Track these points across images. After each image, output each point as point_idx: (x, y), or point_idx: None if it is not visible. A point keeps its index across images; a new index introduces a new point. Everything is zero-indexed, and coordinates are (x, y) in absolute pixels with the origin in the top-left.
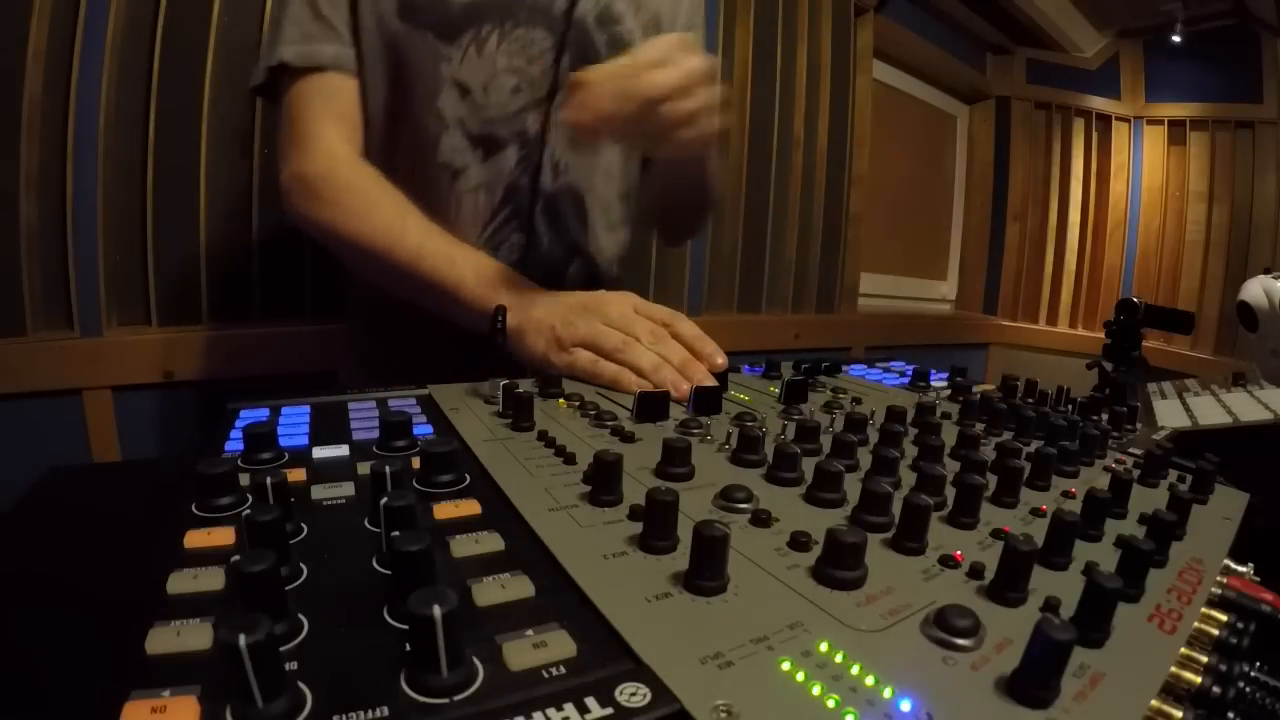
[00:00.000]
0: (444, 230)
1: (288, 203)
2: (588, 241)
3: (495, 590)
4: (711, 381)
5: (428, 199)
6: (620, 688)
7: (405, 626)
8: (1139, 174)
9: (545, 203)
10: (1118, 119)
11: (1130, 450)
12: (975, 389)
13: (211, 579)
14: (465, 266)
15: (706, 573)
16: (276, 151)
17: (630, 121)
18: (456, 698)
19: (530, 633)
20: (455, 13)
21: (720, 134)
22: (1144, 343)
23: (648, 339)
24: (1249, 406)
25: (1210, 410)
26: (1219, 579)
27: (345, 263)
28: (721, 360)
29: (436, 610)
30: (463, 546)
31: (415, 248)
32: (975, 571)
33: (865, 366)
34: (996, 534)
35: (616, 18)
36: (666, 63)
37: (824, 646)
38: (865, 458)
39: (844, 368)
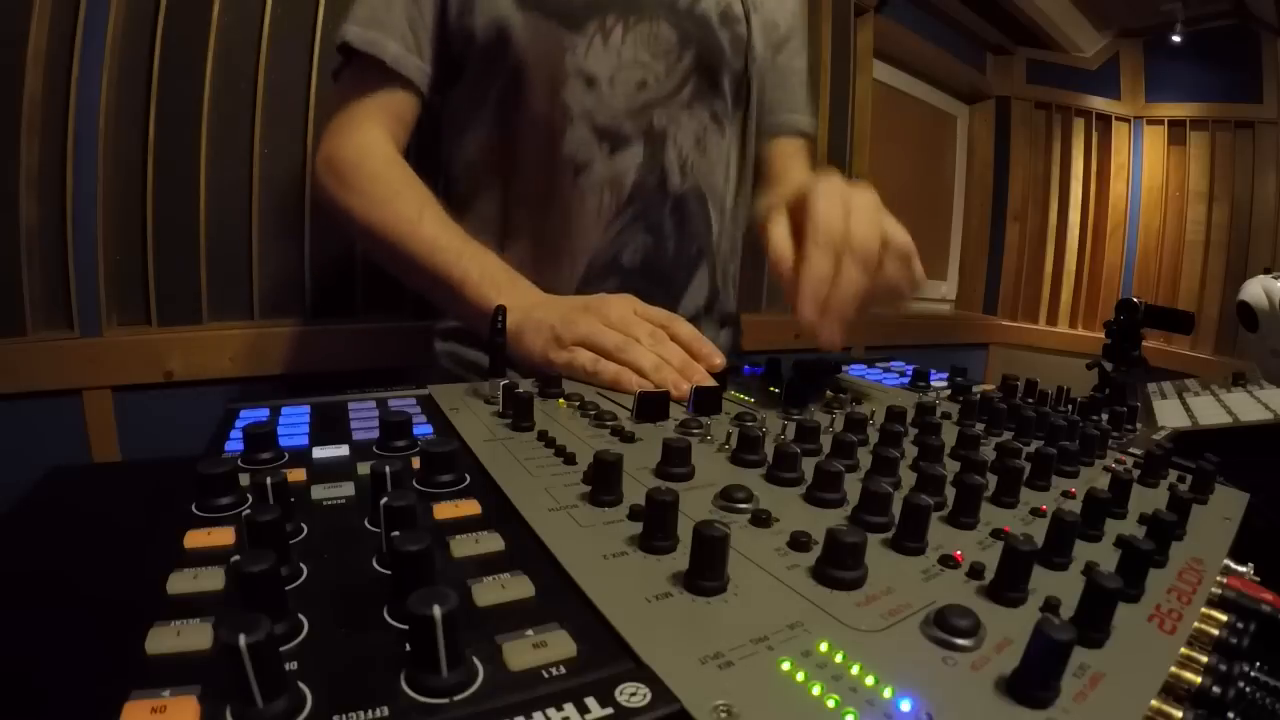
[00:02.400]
0: (461, 229)
1: (316, 182)
2: (711, 245)
3: (495, 590)
4: (711, 382)
5: (549, 195)
6: (620, 688)
7: (405, 626)
8: (1139, 174)
9: (674, 203)
10: (1118, 119)
11: (1130, 450)
12: (975, 389)
13: (211, 579)
14: (471, 264)
15: (706, 573)
16: (322, 131)
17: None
18: (456, 698)
19: (530, 633)
20: (580, 2)
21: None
22: (1144, 343)
23: (647, 340)
24: (1249, 406)
25: (1210, 410)
26: (1219, 579)
27: (365, 251)
28: (720, 361)
29: (436, 610)
30: (463, 546)
31: (429, 240)
32: (975, 571)
33: (865, 366)
34: (996, 534)
35: (737, 18)
36: (844, 228)
37: (824, 646)
38: (865, 458)
39: (844, 368)
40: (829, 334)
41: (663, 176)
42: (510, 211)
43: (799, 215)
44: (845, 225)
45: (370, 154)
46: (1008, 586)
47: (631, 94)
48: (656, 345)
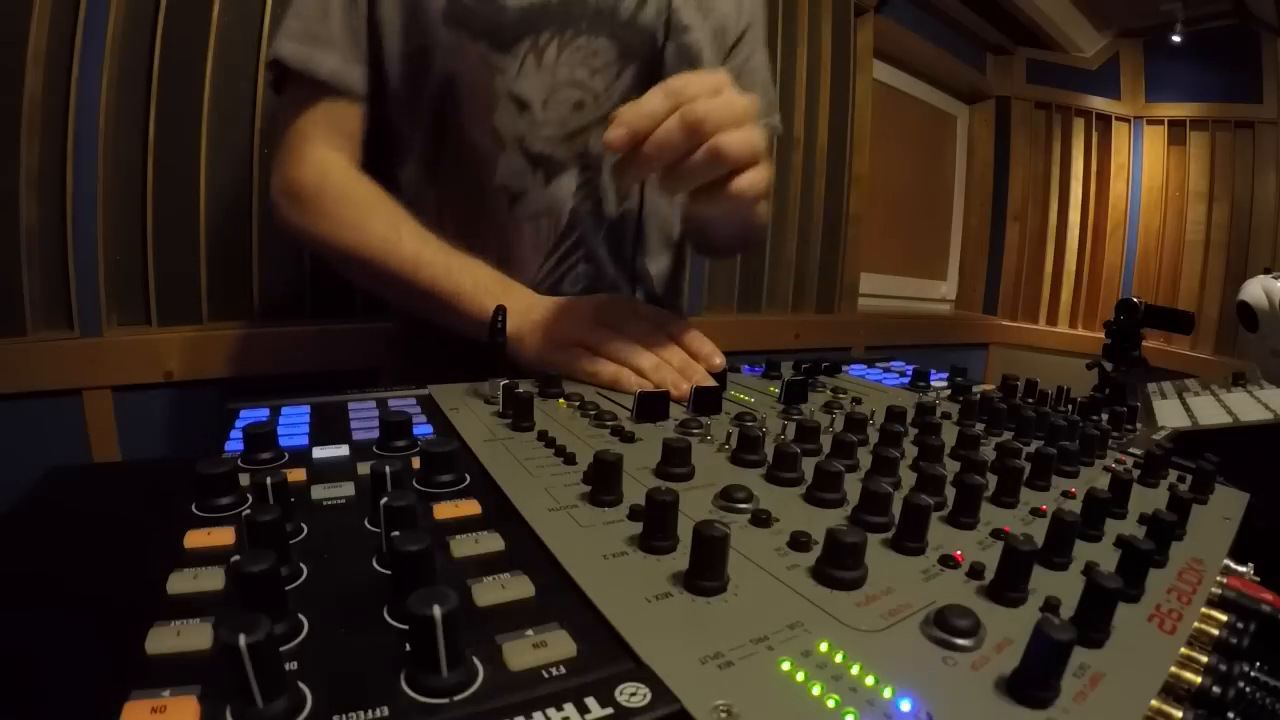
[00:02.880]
0: (440, 239)
1: (277, 215)
2: (648, 266)
3: (495, 590)
4: (710, 382)
5: (484, 225)
6: (620, 688)
7: (405, 626)
8: (1139, 174)
9: (609, 230)
10: (1118, 119)
11: (1130, 450)
12: (975, 389)
13: (211, 579)
14: (463, 275)
15: (706, 573)
16: (270, 161)
17: (677, 151)
18: (456, 698)
19: (530, 633)
20: (510, 19)
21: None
22: (1144, 343)
23: (647, 340)
24: (1249, 406)
25: (1210, 410)
26: (1219, 579)
27: (339, 273)
28: (719, 360)
29: (436, 610)
30: (463, 546)
31: (412, 257)
32: (975, 571)
33: (865, 366)
34: (996, 534)
35: (684, 27)
36: (714, 91)
37: (824, 646)
38: (865, 458)
39: (844, 368)
40: (626, 176)
41: (598, 203)
42: (446, 237)
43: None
44: (696, 88)
45: (328, 173)
46: (1008, 586)
47: (566, 116)
48: (656, 345)
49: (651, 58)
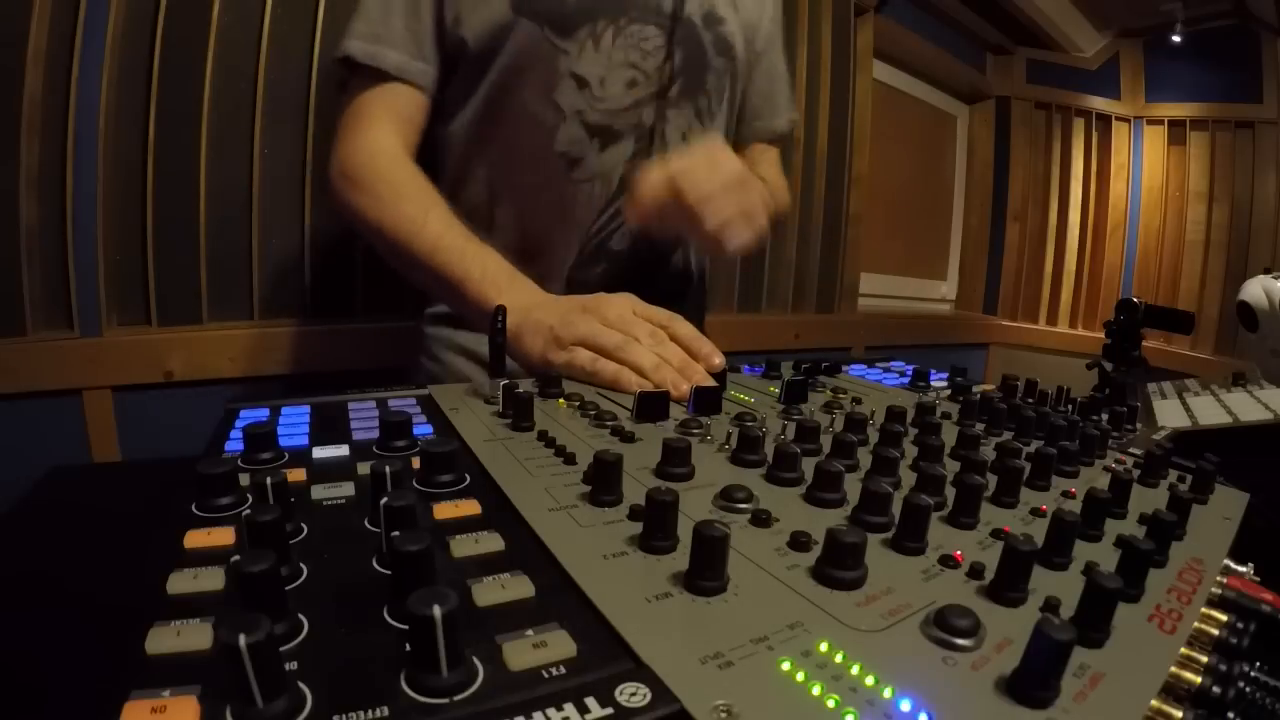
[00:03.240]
0: (465, 228)
1: (331, 188)
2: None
3: (495, 590)
4: (710, 382)
5: (541, 186)
6: (620, 688)
7: (405, 626)
8: (1139, 174)
9: None
10: (1118, 119)
11: (1130, 450)
12: (975, 389)
13: (211, 579)
14: (473, 263)
15: (706, 573)
16: (333, 140)
17: (676, 217)
18: (456, 698)
19: (530, 633)
20: (571, 8)
21: (762, 234)
22: (1144, 343)
23: (647, 339)
24: (1249, 406)
25: (1210, 410)
26: (1219, 579)
27: (378, 251)
28: (719, 360)
29: (436, 610)
30: (463, 546)
31: (433, 239)
32: (975, 571)
33: (865, 366)
34: (996, 534)
35: (720, 19)
36: (709, 167)
37: (824, 646)
38: (865, 458)
39: (844, 368)
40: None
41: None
42: (499, 198)
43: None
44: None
45: (379, 155)
46: (1008, 586)
47: (621, 94)
48: (656, 345)
49: (692, 44)
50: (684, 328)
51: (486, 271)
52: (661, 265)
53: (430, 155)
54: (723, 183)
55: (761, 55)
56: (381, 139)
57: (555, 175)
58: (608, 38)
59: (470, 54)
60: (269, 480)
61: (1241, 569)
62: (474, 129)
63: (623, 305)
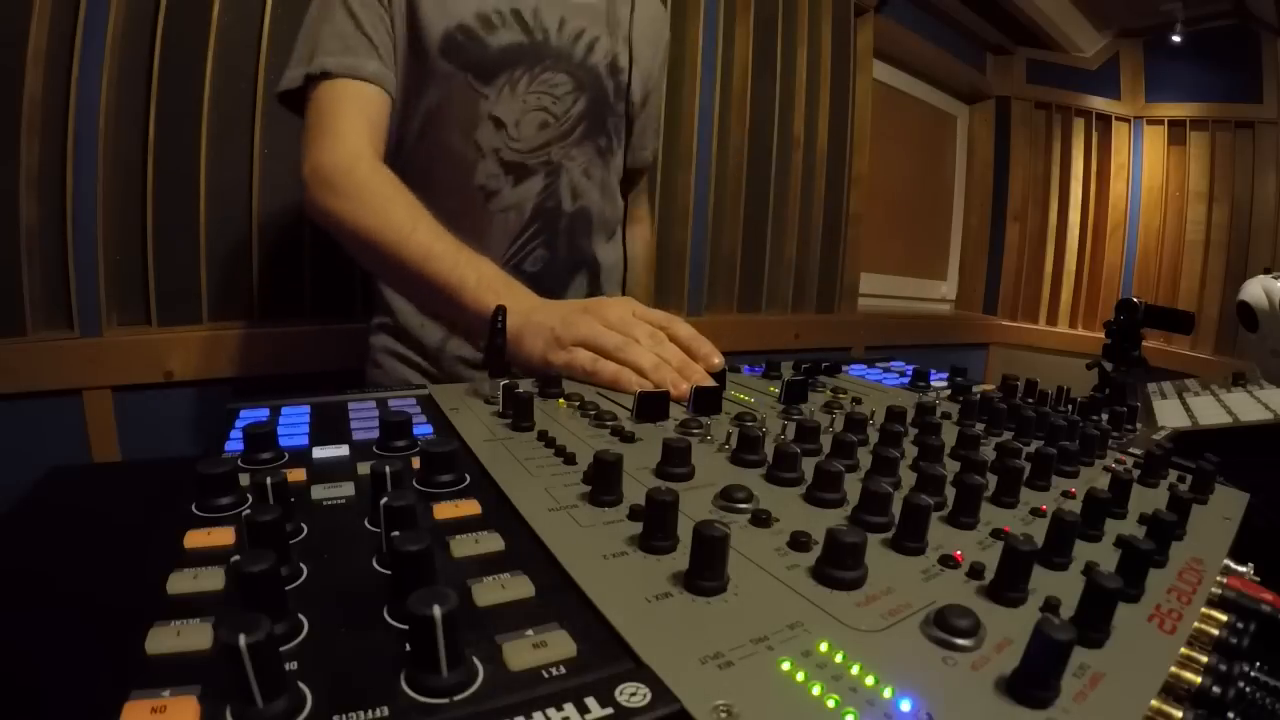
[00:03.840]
0: (454, 236)
1: (307, 194)
2: (595, 253)
3: (495, 590)
4: (710, 382)
5: (463, 215)
6: (620, 688)
7: (405, 626)
8: (1139, 174)
9: (566, 222)
10: (1118, 119)
11: (1130, 450)
12: (975, 389)
13: (211, 579)
14: (468, 270)
15: (706, 573)
16: (302, 145)
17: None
18: (456, 698)
19: (530, 633)
20: (492, 56)
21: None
22: (1144, 343)
23: (646, 340)
24: (1249, 406)
25: (1210, 410)
26: (1219, 579)
27: (355, 258)
28: (718, 360)
29: (436, 610)
30: (463, 546)
31: (424, 246)
32: (975, 571)
33: (865, 366)
34: (996, 534)
35: (620, 69)
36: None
37: (824, 646)
38: (865, 458)
39: (844, 368)
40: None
41: (558, 201)
42: None
43: None
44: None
45: (359, 161)
46: (1008, 586)
47: (534, 134)
48: (655, 345)
49: (597, 90)
50: (683, 329)
51: (482, 278)
52: (567, 284)
53: None
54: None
55: (650, 96)
56: (357, 146)
57: (474, 205)
58: (523, 84)
59: (402, 86)
60: (269, 480)
61: (1241, 569)
62: (399, 160)
63: (623, 307)
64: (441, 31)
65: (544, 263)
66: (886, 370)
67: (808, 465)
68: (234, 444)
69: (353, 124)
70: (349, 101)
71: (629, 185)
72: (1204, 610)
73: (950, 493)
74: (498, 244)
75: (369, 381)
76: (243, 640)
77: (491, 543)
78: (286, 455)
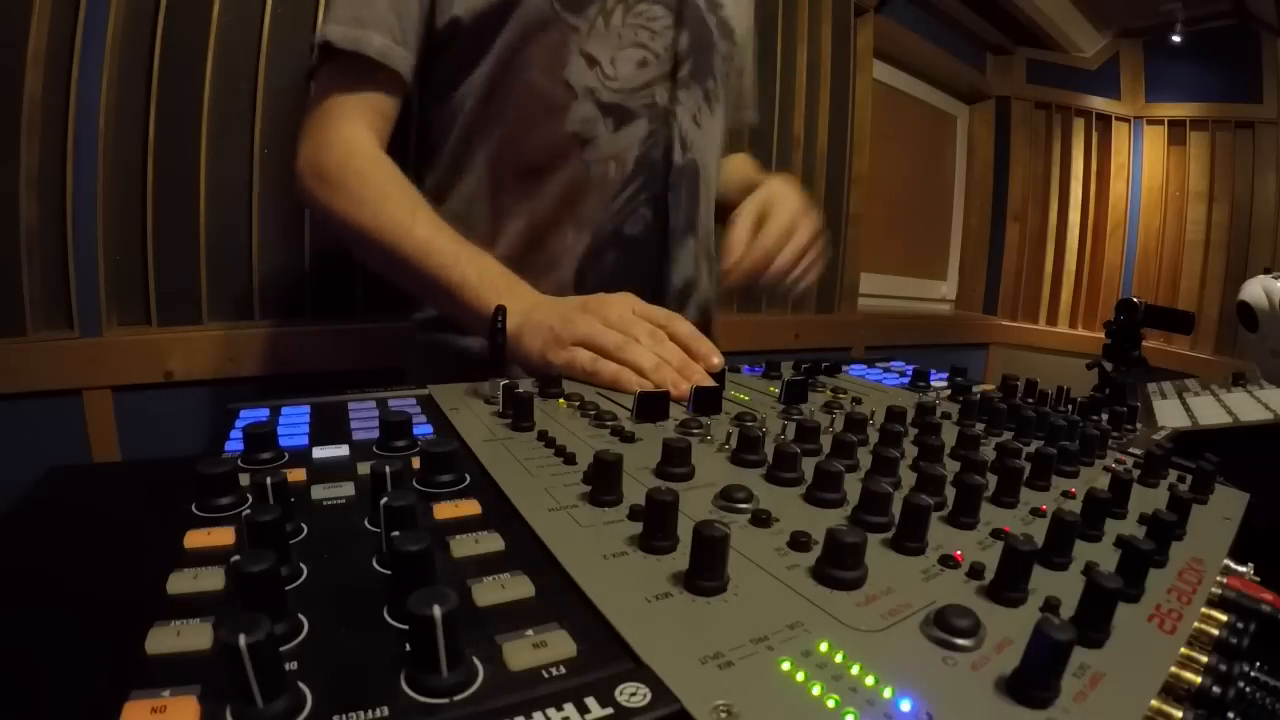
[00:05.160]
0: (453, 230)
1: (299, 186)
2: (699, 218)
3: (495, 590)
4: (709, 382)
5: (551, 169)
6: (620, 688)
7: (405, 626)
8: (1139, 174)
9: (675, 177)
10: (1118, 119)
11: (1130, 450)
12: (975, 389)
13: (211, 579)
14: (469, 267)
15: (706, 573)
16: (299, 132)
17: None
18: (456, 698)
19: (530, 633)
20: None
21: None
22: (1144, 343)
23: (647, 339)
24: (1249, 406)
25: (1210, 410)
26: (1219, 579)
27: (352, 252)
28: (718, 360)
29: (436, 610)
30: (463, 546)
31: (423, 242)
32: (975, 571)
33: (865, 366)
34: (996, 534)
35: (720, 3)
36: (792, 232)
37: (824, 646)
38: (865, 458)
39: (844, 368)
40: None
41: (667, 151)
42: (503, 184)
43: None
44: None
45: (355, 153)
46: (1008, 586)
47: (633, 73)
48: (656, 345)
49: (698, 25)
50: (683, 327)
51: (483, 276)
52: (672, 253)
53: (419, 141)
54: (804, 242)
55: (744, 48)
56: (356, 134)
57: (566, 157)
58: (617, 16)
59: (466, 30)
60: (269, 480)
61: (1241, 569)
62: (475, 110)
63: (622, 305)
64: None
65: (646, 224)
66: (886, 370)
67: (808, 465)
68: (234, 444)
69: (350, 109)
70: (350, 84)
71: (727, 152)
72: (1204, 610)
73: (950, 493)
74: (597, 202)
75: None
76: (243, 640)
77: (491, 543)
78: (286, 455)
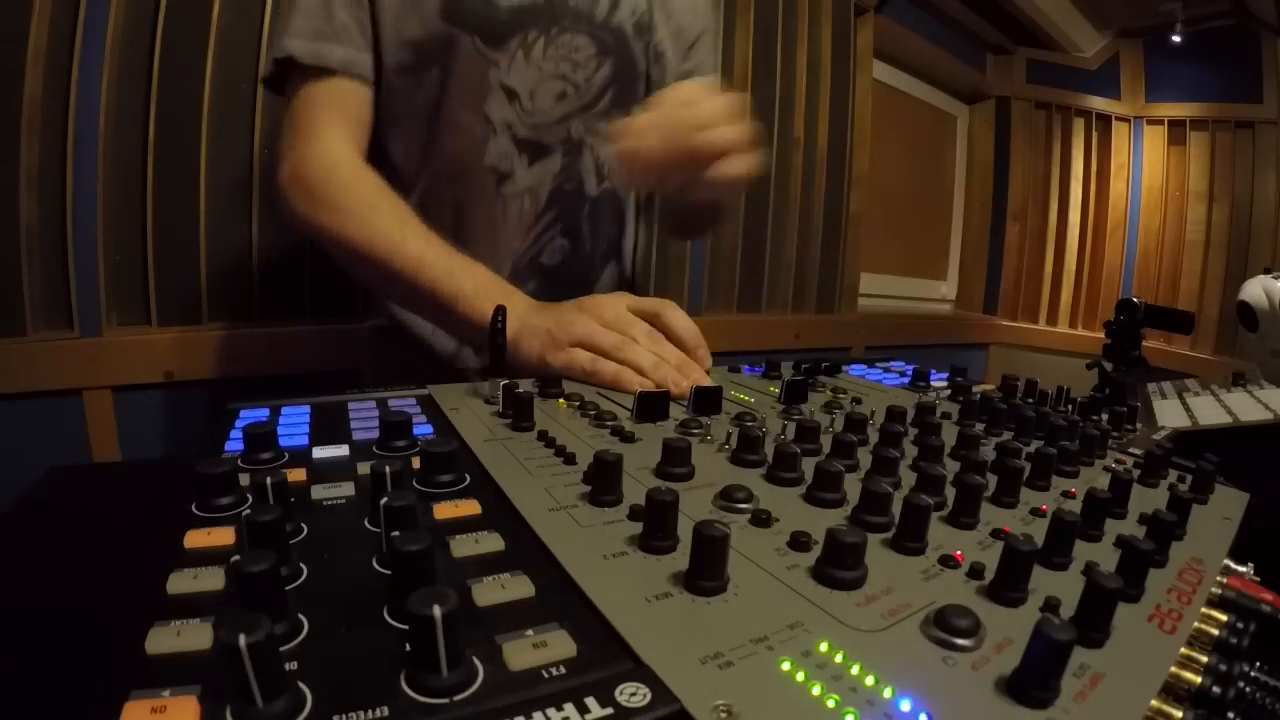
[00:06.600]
0: (443, 240)
1: (284, 204)
2: (623, 243)
3: (495, 590)
4: (708, 381)
5: (471, 201)
6: (620, 688)
7: (405, 626)
8: (1139, 174)
9: (590, 207)
10: (1118, 119)
11: (1130, 450)
12: (975, 389)
13: (211, 579)
14: (464, 278)
15: (706, 573)
16: (276, 151)
17: (674, 157)
18: (456, 698)
19: (530, 633)
20: (503, 16)
21: (752, 172)
22: (1144, 343)
23: (644, 339)
24: (1249, 406)
25: (1210, 410)
26: (1219, 579)
27: (341, 266)
28: (703, 352)
29: (436, 610)
30: (463, 546)
31: (415, 256)
32: (975, 571)
33: (865, 366)
34: (996, 534)
35: (650, 27)
36: (698, 101)
37: (824, 646)
38: (865, 458)
39: (844, 368)
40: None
41: (579, 183)
42: (430, 211)
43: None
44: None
45: (338, 165)
46: (1008, 586)
47: (550, 107)
48: (654, 344)
49: (624, 54)
50: (677, 317)
51: (479, 286)
52: (593, 279)
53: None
54: (722, 107)
55: (690, 57)
56: (336, 145)
57: (485, 190)
58: (538, 48)
59: (404, 60)
60: (269, 480)
61: (1241, 569)
62: (413, 146)
63: (618, 304)
64: None
65: (564, 254)
66: (886, 370)
67: (808, 465)
68: (234, 444)
69: (326, 123)
70: (321, 96)
71: None
72: (1204, 610)
73: (950, 493)
74: (513, 233)
75: (367, 383)
76: (243, 640)
77: (491, 543)
78: (286, 455)
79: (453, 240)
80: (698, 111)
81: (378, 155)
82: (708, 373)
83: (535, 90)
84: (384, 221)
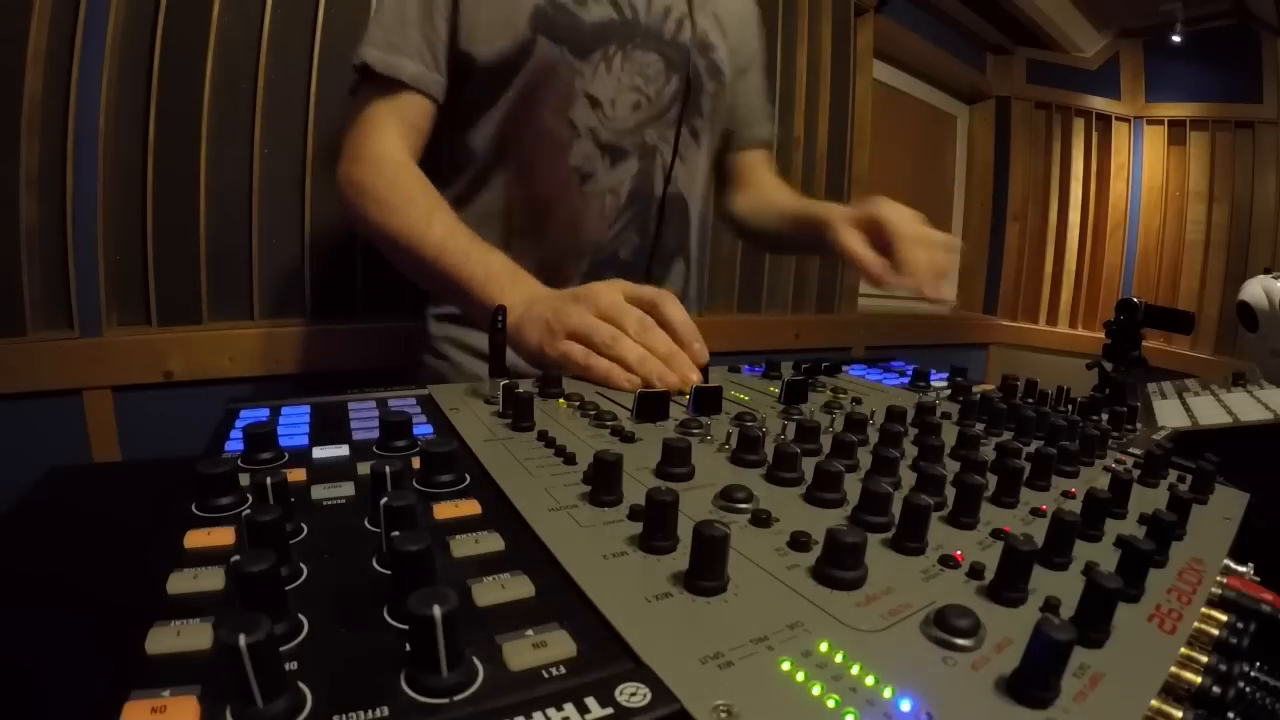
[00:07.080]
0: (468, 230)
1: (339, 196)
2: (689, 241)
3: (495, 590)
4: (696, 375)
5: (556, 199)
6: (620, 688)
7: (405, 626)
8: (1139, 174)
9: (660, 207)
10: (1118, 119)
11: (1130, 450)
12: (975, 389)
13: (211, 579)
14: (478, 265)
15: (706, 573)
16: (340, 148)
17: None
18: (456, 698)
19: (530, 633)
20: (587, 31)
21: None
22: (1144, 343)
23: (635, 329)
24: (1249, 406)
25: (1210, 410)
26: (1219, 579)
27: (386, 257)
28: (699, 346)
29: (436, 610)
30: (463, 546)
31: (438, 243)
32: (975, 571)
33: (865, 366)
34: (996, 534)
35: (712, 46)
36: (934, 245)
37: (824, 646)
38: (865, 458)
39: (844, 368)
40: (945, 294)
41: (652, 185)
42: (516, 210)
43: (868, 228)
44: (920, 229)
45: (385, 162)
46: (1008, 586)
47: (628, 115)
48: (643, 334)
49: (688, 70)
50: (672, 309)
51: (490, 272)
52: (662, 275)
53: (445, 159)
54: (926, 235)
55: (746, 73)
56: (388, 146)
57: (569, 189)
58: (618, 61)
59: (481, 69)
60: (269, 480)
61: (1241, 569)
62: (494, 141)
63: (613, 292)
64: (531, 4)
65: (636, 250)
66: (886, 370)
67: (808, 465)
68: (234, 444)
69: (385, 127)
70: (387, 103)
71: (746, 168)
72: (1204, 610)
73: (950, 493)
74: (595, 228)
75: (422, 376)
76: (243, 640)
77: (491, 543)
78: (286, 455)
79: (537, 233)
80: (939, 260)
81: (460, 147)
82: (704, 369)
83: (615, 99)
84: (415, 211)
